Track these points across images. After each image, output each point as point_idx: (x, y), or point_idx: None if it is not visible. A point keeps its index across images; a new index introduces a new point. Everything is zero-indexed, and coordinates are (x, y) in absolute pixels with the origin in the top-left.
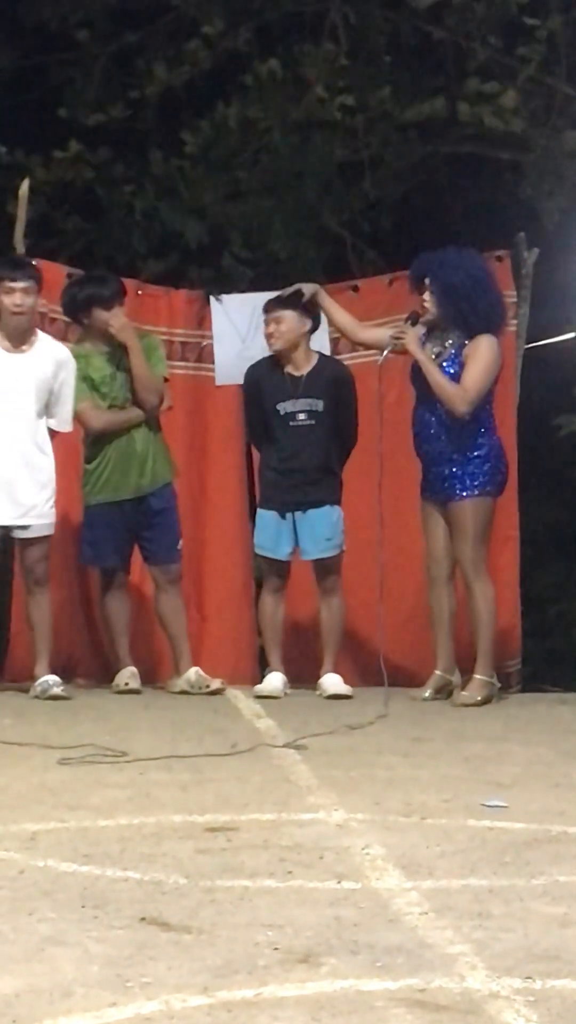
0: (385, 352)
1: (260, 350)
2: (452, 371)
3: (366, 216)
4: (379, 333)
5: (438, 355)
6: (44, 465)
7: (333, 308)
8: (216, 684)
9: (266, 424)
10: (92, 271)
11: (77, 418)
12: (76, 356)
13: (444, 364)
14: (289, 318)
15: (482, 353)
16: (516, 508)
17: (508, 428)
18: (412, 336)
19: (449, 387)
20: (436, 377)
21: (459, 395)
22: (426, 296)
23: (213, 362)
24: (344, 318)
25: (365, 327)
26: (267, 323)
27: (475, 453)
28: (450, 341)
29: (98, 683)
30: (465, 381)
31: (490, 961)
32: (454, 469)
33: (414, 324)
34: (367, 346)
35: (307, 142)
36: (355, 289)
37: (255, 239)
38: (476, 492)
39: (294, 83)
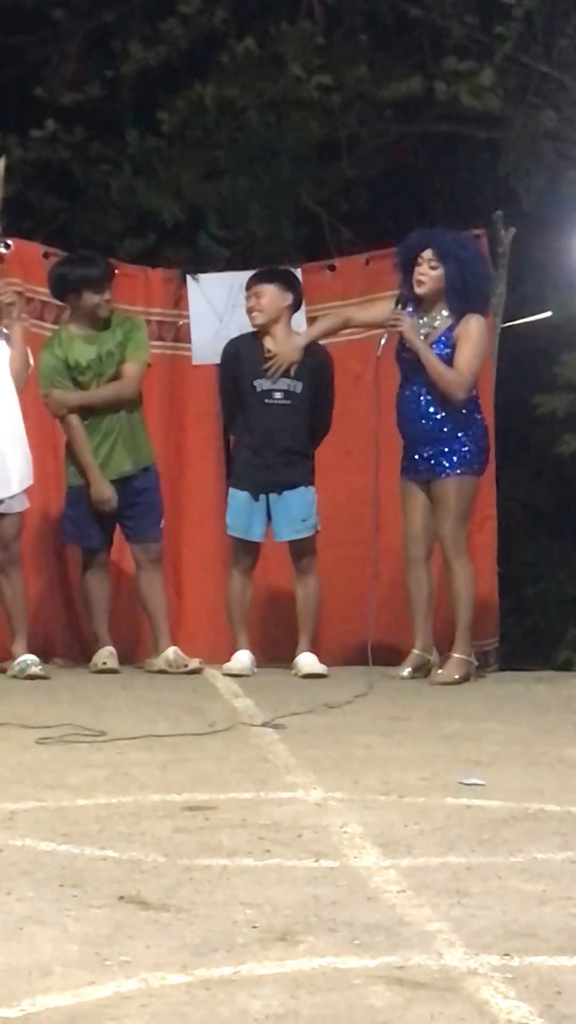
0: (382, 341)
1: (237, 329)
2: (443, 352)
3: (343, 195)
4: (376, 310)
5: (427, 336)
6: (21, 434)
7: (330, 325)
8: (194, 664)
9: (241, 400)
10: (80, 251)
11: (44, 402)
12: (58, 338)
13: (434, 345)
14: (270, 292)
15: (473, 334)
16: (494, 487)
17: (486, 407)
18: (408, 323)
19: (447, 374)
20: (434, 364)
21: (457, 381)
22: (424, 269)
23: (190, 342)
24: (338, 319)
25: (357, 309)
26: (248, 298)
27: (460, 433)
28: (438, 321)
29: (76, 663)
30: (459, 365)
31: (468, 938)
32: (441, 448)
33: (405, 306)
34: (370, 326)
35: (284, 121)
36: (332, 268)
37: (232, 218)
38: (461, 471)
39: (271, 62)
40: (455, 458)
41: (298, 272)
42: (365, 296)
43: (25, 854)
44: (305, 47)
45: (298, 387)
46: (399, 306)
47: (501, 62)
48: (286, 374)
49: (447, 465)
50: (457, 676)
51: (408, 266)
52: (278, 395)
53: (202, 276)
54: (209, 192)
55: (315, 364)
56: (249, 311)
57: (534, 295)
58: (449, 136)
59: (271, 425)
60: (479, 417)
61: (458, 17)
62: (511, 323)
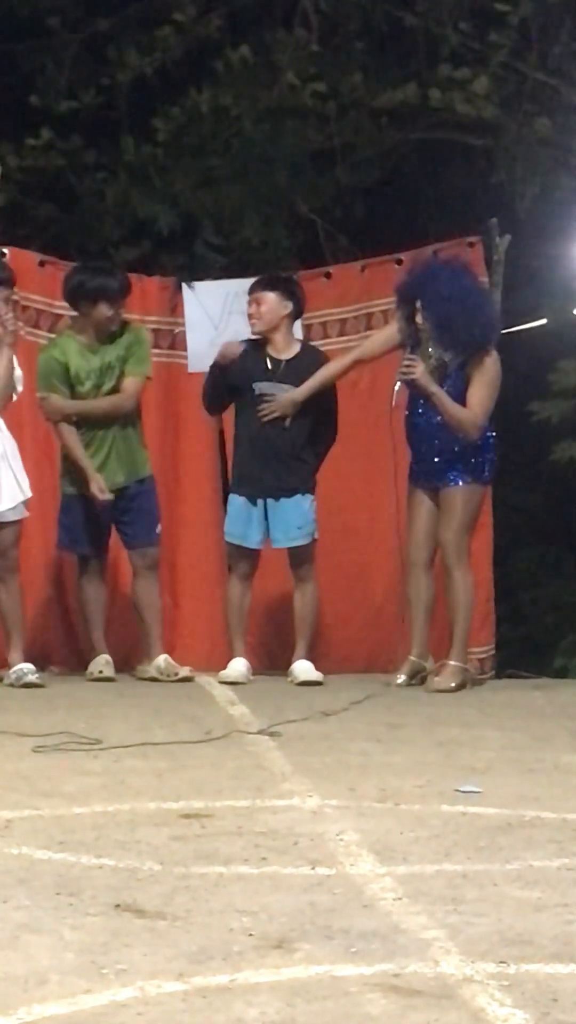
0: (396, 388)
1: (233, 337)
2: (456, 389)
3: (338, 203)
4: (381, 339)
5: (436, 368)
6: (12, 447)
7: (337, 369)
8: (184, 672)
9: (237, 402)
10: (103, 264)
11: (40, 405)
12: (59, 344)
13: (446, 384)
14: (270, 299)
15: (487, 373)
16: (490, 494)
17: None
18: (421, 370)
19: (460, 415)
20: (447, 407)
21: (471, 422)
22: (420, 319)
23: (186, 349)
24: (345, 363)
25: (360, 348)
26: (249, 304)
27: (471, 447)
28: (450, 355)
29: (72, 671)
30: (474, 406)
31: (464, 946)
32: (450, 459)
33: (414, 350)
34: (382, 354)
35: (279, 129)
36: (327, 276)
37: (227, 226)
38: (470, 480)
39: (266, 70)
40: (464, 468)
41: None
42: (361, 303)
43: (21, 862)
44: (300, 55)
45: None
46: (408, 348)
47: (496, 69)
48: (284, 380)
49: (456, 474)
50: (453, 683)
51: (409, 308)
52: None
53: (198, 284)
54: (204, 200)
55: (313, 368)
56: (250, 317)
57: (529, 302)
58: (444, 143)
59: (268, 428)
60: (490, 429)
61: (453, 25)
62: (506, 330)
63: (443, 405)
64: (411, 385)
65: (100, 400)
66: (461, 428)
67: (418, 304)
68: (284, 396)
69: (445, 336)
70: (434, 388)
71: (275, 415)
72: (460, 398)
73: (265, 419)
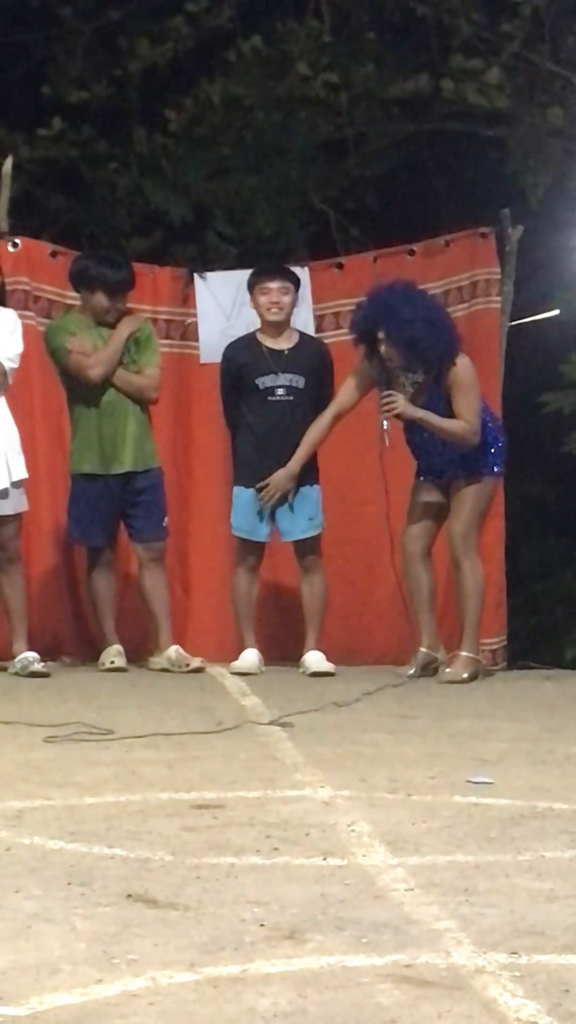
0: (385, 427)
1: (244, 327)
2: (437, 404)
3: (350, 193)
4: (352, 386)
5: (416, 391)
6: (14, 434)
7: (322, 430)
8: (196, 663)
9: (244, 400)
10: (112, 254)
11: (76, 367)
12: (67, 318)
13: (427, 403)
14: (292, 293)
15: (464, 379)
16: (502, 486)
17: (493, 406)
18: (402, 402)
19: (453, 428)
20: (439, 426)
21: (468, 430)
22: (386, 349)
23: (197, 340)
24: (328, 418)
25: (336, 401)
26: (268, 291)
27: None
28: (422, 374)
29: (84, 661)
30: (463, 414)
31: (476, 937)
32: (458, 461)
33: (387, 385)
34: (360, 399)
35: (291, 119)
36: (339, 267)
37: (239, 216)
38: (480, 474)
39: (278, 60)
40: (473, 464)
41: (305, 270)
42: None
43: (33, 852)
44: (312, 45)
45: (300, 382)
46: (383, 385)
47: (508, 60)
48: (288, 369)
49: (466, 468)
50: (465, 674)
51: (370, 342)
52: (280, 391)
53: (209, 274)
54: (216, 190)
55: (314, 357)
56: (272, 304)
57: (541, 293)
58: (456, 134)
59: (275, 421)
60: (491, 420)
61: (465, 15)
62: (518, 321)
63: (433, 426)
64: (397, 418)
65: (132, 375)
66: (458, 440)
67: (380, 335)
68: (280, 474)
69: (414, 357)
70: (420, 413)
71: (276, 497)
72: (444, 411)
73: (265, 506)
